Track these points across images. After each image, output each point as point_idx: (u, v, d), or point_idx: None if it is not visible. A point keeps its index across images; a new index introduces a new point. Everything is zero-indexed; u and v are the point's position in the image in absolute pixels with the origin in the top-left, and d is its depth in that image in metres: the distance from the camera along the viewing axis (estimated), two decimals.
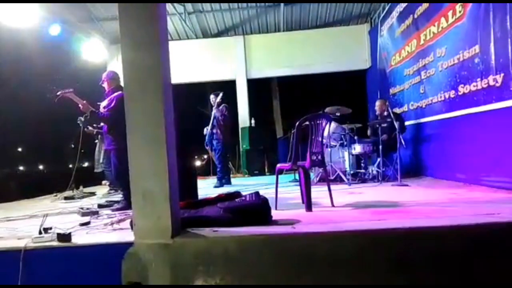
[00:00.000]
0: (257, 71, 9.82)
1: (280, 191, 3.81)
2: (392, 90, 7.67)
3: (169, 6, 8.02)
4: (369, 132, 6.69)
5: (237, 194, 3.19)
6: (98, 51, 8.97)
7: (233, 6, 8.81)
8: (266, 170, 9.53)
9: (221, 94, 6.62)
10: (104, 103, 4.40)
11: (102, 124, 5.99)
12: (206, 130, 6.73)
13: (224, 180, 6.67)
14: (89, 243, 2.53)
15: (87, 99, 4.24)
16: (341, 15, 9.33)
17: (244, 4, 8.78)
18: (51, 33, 7.17)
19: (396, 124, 5.44)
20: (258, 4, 8.78)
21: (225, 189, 5.84)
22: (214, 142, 6.65)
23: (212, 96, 6.80)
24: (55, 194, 6.03)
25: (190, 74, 9.59)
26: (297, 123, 3.68)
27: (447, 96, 5.38)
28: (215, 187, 6.46)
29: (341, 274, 2.25)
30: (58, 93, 4.10)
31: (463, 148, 5.01)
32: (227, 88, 10.35)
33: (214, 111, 6.58)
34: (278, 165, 3.92)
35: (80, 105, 4.15)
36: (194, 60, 9.63)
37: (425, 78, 6.08)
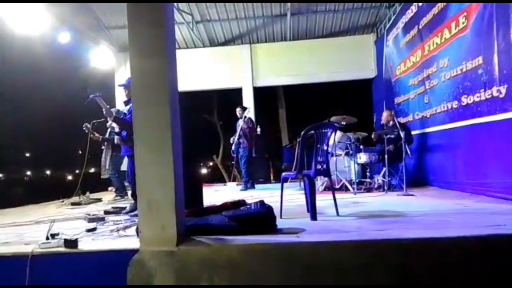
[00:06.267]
0: (263, 80, 9.88)
1: (285, 199, 3.81)
2: (397, 100, 7.68)
3: (177, 15, 8.13)
4: (373, 138, 6.63)
5: (242, 202, 3.21)
6: (106, 59, 9.11)
7: (240, 15, 8.91)
8: (272, 178, 9.54)
9: (247, 109, 7.52)
10: (127, 108, 4.54)
11: (108, 133, 6.07)
12: (233, 140, 7.39)
13: (249, 184, 7.26)
14: (95, 249, 2.56)
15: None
16: (347, 25, 9.40)
17: (251, 14, 8.88)
18: (60, 40, 7.30)
19: (402, 134, 5.43)
20: (264, 13, 8.87)
21: (250, 193, 6.39)
22: (241, 150, 7.33)
23: (238, 109, 7.54)
24: (61, 200, 6.09)
25: (197, 82, 9.67)
26: (302, 132, 3.70)
27: (449, 107, 5.38)
28: (241, 190, 7.09)
29: (345, 284, 2.25)
30: (91, 96, 4.41)
31: (468, 158, 4.98)
32: (234, 96, 10.43)
33: (240, 123, 7.30)
34: (283, 174, 3.93)
35: (103, 110, 4.41)
36: (201, 68, 9.71)
37: (429, 88, 6.09)
